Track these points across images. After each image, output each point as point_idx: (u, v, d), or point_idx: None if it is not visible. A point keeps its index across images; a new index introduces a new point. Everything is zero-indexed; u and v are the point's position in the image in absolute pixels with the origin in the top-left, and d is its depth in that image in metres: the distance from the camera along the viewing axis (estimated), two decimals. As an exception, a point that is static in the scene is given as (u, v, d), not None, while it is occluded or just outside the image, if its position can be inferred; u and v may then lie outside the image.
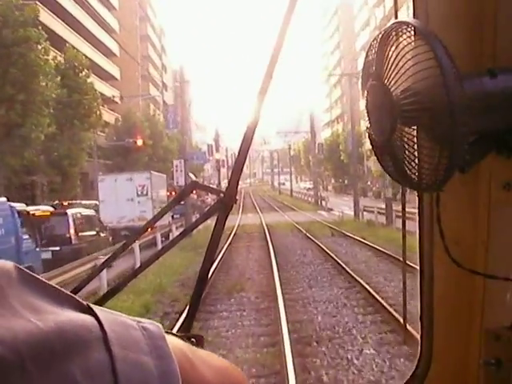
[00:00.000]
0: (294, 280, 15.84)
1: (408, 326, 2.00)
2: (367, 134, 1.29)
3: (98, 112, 37.51)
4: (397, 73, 1.17)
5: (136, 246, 17.46)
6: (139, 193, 27.77)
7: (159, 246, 21.06)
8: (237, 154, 1.28)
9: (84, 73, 36.94)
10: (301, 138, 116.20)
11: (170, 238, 26.43)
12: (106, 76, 63.19)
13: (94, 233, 20.95)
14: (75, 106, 35.77)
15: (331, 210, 49.55)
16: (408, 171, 1.22)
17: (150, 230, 27.60)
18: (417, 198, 1.42)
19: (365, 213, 35.00)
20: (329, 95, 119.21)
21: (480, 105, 1.13)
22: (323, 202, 53.34)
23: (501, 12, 1.26)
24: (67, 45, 37.94)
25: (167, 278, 16.28)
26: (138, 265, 16.25)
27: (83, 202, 32.16)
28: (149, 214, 27.91)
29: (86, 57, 37.77)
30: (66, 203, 31.91)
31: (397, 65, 1.17)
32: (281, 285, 14.13)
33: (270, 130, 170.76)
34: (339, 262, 17.91)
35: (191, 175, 48.98)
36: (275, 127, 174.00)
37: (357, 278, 14.83)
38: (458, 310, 1.47)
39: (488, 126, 1.19)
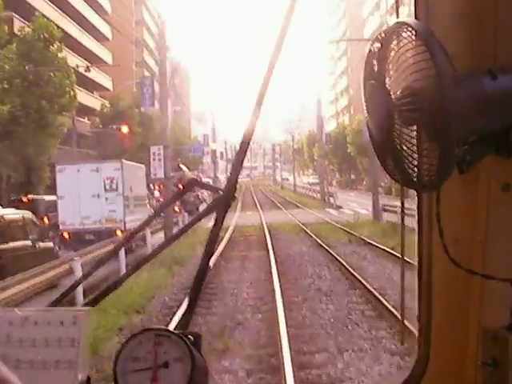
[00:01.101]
0: (311, 338, 9.43)
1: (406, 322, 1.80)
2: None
3: (72, 92, 31.66)
4: (396, 73, 1.18)
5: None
6: (107, 187, 21.90)
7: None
8: (237, 147, 1.30)
9: (56, 46, 31.04)
10: (304, 130, 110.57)
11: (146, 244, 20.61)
12: (95, 60, 57.52)
13: (28, 243, 15.14)
14: (44, 85, 29.96)
15: (340, 207, 43.74)
16: (408, 170, 1.22)
17: (119, 233, 21.88)
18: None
19: (384, 213, 29.08)
20: (334, 86, 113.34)
21: (479, 105, 1.14)
22: (331, 199, 47.45)
23: (501, 12, 1.26)
24: (36, 13, 32.05)
25: (109, 320, 10.24)
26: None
27: (46, 197, 26.41)
28: (119, 214, 22.10)
29: (59, 27, 31.81)
30: (25, 199, 26.20)
31: (397, 65, 1.18)
32: (290, 350, 8.17)
33: (273, 122, 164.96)
34: (371, 290, 12.15)
35: (183, 167, 43.10)
36: (277, 119, 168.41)
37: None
38: (455, 310, 1.46)
39: (487, 127, 1.19)
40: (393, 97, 1.17)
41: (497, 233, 1.36)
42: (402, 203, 1.66)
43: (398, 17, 1.36)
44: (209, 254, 1.28)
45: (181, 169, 41.55)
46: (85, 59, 52.69)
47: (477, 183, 1.34)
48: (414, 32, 1.13)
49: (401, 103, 1.15)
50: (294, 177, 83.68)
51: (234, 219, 32.91)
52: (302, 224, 29.81)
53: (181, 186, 41.88)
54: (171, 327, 1.25)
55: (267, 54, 1.28)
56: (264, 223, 31.26)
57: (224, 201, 1.27)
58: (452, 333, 1.48)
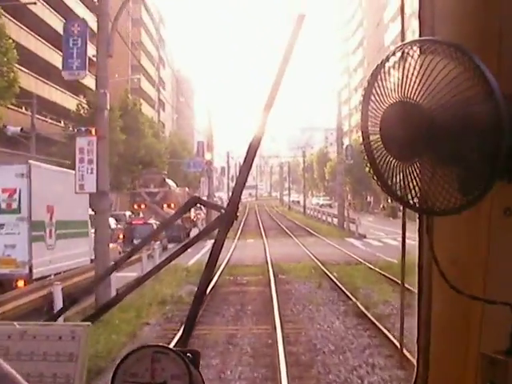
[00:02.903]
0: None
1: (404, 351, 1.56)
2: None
3: (11, 75, 22.88)
4: (432, 90, 1.15)
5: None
6: (2, 206, 12.93)
7: None
8: (241, 162, 1.31)
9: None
10: (314, 150, 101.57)
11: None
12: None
13: None
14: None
15: (363, 236, 34.63)
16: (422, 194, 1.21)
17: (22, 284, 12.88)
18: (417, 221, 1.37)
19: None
20: (347, 101, 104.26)
21: None
22: (351, 225, 38.21)
23: (506, 27, 1.28)
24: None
25: None
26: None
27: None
28: (20, 252, 12.99)
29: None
30: None
31: (431, 81, 1.15)
32: None
33: (279, 139, 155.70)
34: None
35: (170, 182, 33.99)
36: (286, 140, 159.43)
37: None
38: (455, 334, 1.46)
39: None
40: (427, 112, 1.15)
41: (498, 257, 1.35)
42: (404, 227, 1.60)
43: (403, 36, 1.45)
44: (207, 278, 1.27)
45: (166, 184, 32.56)
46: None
47: (478, 206, 1.26)
48: (452, 49, 1.13)
49: (438, 119, 1.14)
50: (304, 197, 74.40)
51: (229, 252, 23.90)
52: (322, 263, 20.74)
53: (165, 206, 33.38)
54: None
55: (274, 68, 1.29)
56: (269, 260, 22.21)
57: (225, 220, 1.27)
58: (450, 356, 1.47)
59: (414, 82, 1.16)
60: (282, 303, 13.60)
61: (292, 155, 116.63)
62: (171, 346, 1.20)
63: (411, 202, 1.22)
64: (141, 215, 32.53)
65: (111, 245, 21.63)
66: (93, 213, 17.02)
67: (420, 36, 1.36)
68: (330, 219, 46.38)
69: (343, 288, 15.47)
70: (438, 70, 1.14)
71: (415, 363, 1.49)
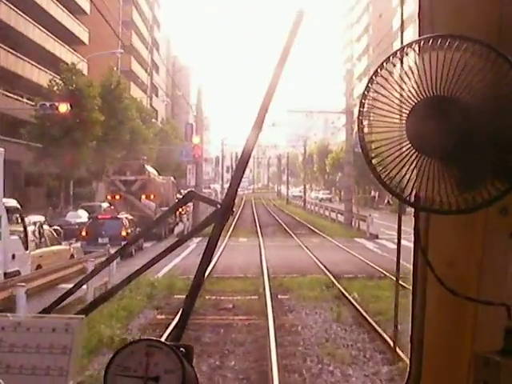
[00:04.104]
0: None
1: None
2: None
3: None
4: (465, 84, 1.17)
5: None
6: None
7: None
8: (238, 153, 1.29)
9: None
10: (317, 138, 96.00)
11: None
12: (67, 38, 43.91)
13: None
14: None
15: (376, 236, 29.45)
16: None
17: None
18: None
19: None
20: (347, 93, 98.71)
21: None
22: (358, 223, 32.93)
23: (505, 21, 1.29)
24: None
25: None
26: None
27: None
28: None
29: None
30: None
31: (465, 76, 1.17)
32: None
33: (280, 135, 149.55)
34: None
35: (150, 169, 28.47)
36: (284, 130, 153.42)
37: None
38: (448, 333, 1.45)
39: None
40: (463, 106, 1.17)
41: (493, 257, 1.34)
42: (400, 223, 1.66)
43: (402, 34, 1.59)
44: (202, 274, 1.26)
45: (145, 171, 27.23)
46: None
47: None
48: (483, 46, 1.17)
49: (478, 112, 1.16)
50: (304, 190, 69.04)
51: (214, 255, 18.60)
52: (334, 276, 15.61)
53: (144, 197, 28.00)
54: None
55: (272, 61, 1.29)
56: (265, 268, 17.06)
57: (221, 215, 1.26)
58: (444, 355, 1.44)
59: (447, 78, 1.17)
60: (286, 356, 8.42)
61: (292, 145, 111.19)
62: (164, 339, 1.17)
63: (408, 198, 1.23)
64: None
65: (58, 247, 16.45)
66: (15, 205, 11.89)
67: (419, 31, 1.37)
68: (333, 215, 41.14)
69: (373, 322, 10.28)
70: (470, 66, 1.16)
71: (408, 362, 1.46)
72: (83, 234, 21.34)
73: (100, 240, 21.14)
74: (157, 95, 76.79)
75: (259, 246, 23.76)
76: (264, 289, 14.01)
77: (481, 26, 1.28)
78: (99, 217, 23.30)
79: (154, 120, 62.55)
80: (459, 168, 1.19)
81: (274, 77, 1.26)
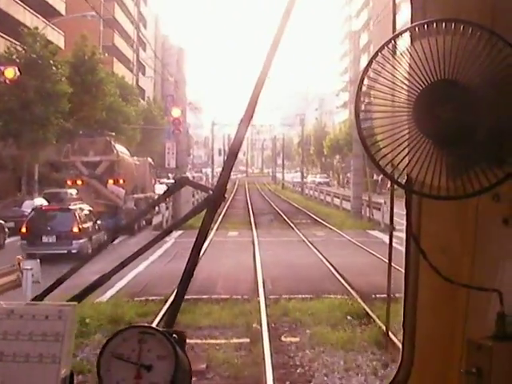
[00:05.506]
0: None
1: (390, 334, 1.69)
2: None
3: None
4: (472, 67, 1.16)
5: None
6: None
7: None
8: (231, 135, 1.68)
9: None
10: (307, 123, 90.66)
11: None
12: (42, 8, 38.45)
13: None
14: None
15: (392, 228, 24.24)
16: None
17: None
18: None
19: None
20: (344, 73, 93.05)
21: None
22: (368, 211, 27.64)
23: (498, 4, 1.27)
24: None
25: None
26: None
27: None
28: None
29: None
30: None
31: (473, 60, 1.16)
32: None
33: (275, 118, 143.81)
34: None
35: (120, 148, 23.02)
36: (279, 115, 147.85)
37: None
38: (440, 319, 1.41)
39: None
40: (474, 87, 1.15)
41: (485, 243, 1.31)
42: (392, 205, 1.66)
43: (394, 17, 1.59)
44: (194, 260, 1.23)
45: (113, 151, 21.85)
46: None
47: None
48: (480, 29, 1.16)
49: (485, 92, 1.14)
50: (302, 174, 63.84)
51: (204, 252, 13.39)
52: (361, 295, 10.54)
53: (111, 182, 22.53)
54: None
55: (266, 41, 1.25)
56: (260, 282, 11.96)
57: (214, 201, 1.24)
58: (436, 341, 1.41)
59: (450, 62, 1.16)
60: None
61: (287, 123, 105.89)
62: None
63: (399, 179, 1.21)
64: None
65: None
66: None
67: (411, 17, 1.33)
68: (336, 201, 36.00)
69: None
70: (470, 49, 1.15)
71: (401, 347, 1.42)
72: (23, 230, 16.12)
73: (45, 238, 15.97)
74: (144, 74, 71.20)
75: (252, 243, 18.60)
76: (260, 322, 8.93)
77: (474, 10, 1.26)
78: (43, 208, 18.01)
79: (140, 100, 57.22)
80: (454, 152, 1.16)
81: (267, 57, 1.25)
